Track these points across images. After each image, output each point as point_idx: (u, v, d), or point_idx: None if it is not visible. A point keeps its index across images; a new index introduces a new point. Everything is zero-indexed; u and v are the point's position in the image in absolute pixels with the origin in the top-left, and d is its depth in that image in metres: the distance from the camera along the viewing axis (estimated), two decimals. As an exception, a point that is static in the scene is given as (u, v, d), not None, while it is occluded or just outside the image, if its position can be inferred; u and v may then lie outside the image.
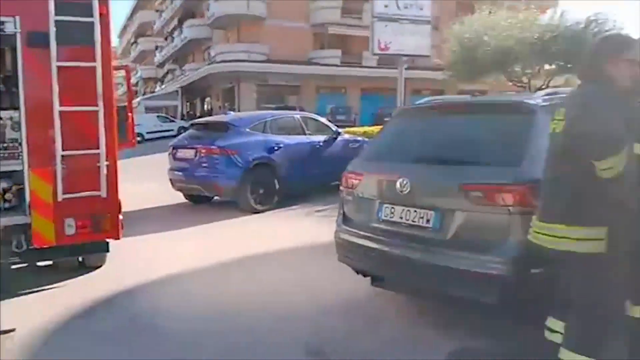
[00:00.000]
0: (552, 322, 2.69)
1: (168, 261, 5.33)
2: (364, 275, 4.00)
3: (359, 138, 10.15)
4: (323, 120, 10.03)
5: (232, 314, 3.92)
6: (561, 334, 2.58)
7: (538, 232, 2.59)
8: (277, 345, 3.42)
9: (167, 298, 4.37)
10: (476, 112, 3.77)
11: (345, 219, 4.03)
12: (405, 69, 14.12)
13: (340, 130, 9.81)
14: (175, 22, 43.49)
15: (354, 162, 4.13)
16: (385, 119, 10.34)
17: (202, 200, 8.86)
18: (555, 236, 2.47)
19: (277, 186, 8.19)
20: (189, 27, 39.48)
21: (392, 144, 4.06)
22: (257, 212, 7.88)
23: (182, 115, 39.33)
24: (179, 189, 8.83)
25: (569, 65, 12.75)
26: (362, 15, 31.97)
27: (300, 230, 6.69)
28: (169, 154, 8.93)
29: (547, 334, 2.73)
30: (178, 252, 5.76)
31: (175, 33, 42.92)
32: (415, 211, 3.43)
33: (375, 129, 13.07)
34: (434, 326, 3.59)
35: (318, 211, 7.83)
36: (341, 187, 4.12)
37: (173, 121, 32.08)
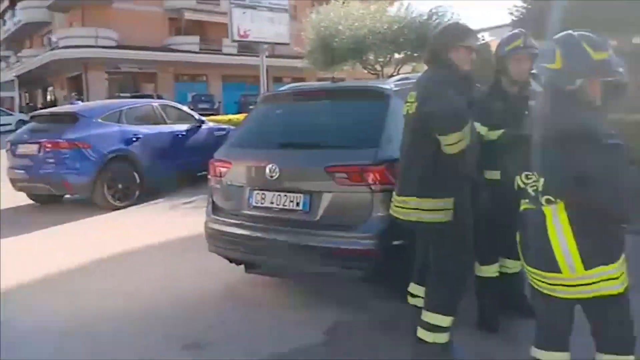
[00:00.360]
0: (413, 287, 2.95)
1: (17, 269, 4.75)
2: (238, 264, 3.98)
3: (224, 126, 9.97)
4: (184, 108, 9.66)
5: (94, 320, 3.63)
6: (422, 297, 2.83)
7: (396, 206, 2.81)
8: (149, 345, 3.27)
9: (15, 309, 3.90)
10: (336, 98, 3.93)
11: (215, 208, 3.96)
12: (267, 56, 14.16)
13: (203, 118, 9.54)
14: (6, 2, 38.42)
15: (220, 150, 4.06)
16: (250, 107, 10.30)
17: (50, 199, 8.02)
18: (408, 208, 2.70)
19: (138, 180, 7.73)
20: (23, 9, 35.20)
21: (258, 130, 4.08)
22: (117, 208, 7.38)
23: (21, 107, 35.09)
24: (21, 189, 7.89)
25: (415, 54, 13.86)
26: (220, 2, 31.25)
27: (166, 224, 6.41)
28: (7, 150, 7.92)
29: (409, 299, 2.99)
30: (30, 258, 5.17)
31: (7, 15, 37.95)
32: (285, 195, 3.50)
33: (241, 116, 12.97)
34: (308, 307, 3.70)
35: (185, 203, 7.58)
36: (209, 176, 4.03)
37: (10, 114, 28.46)
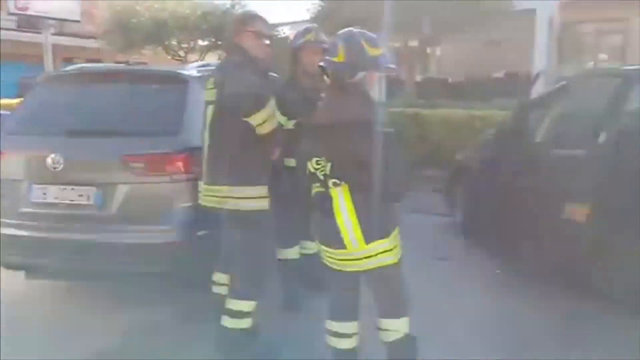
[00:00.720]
0: (218, 276, 2.92)
1: None
2: (16, 269, 3.45)
3: (-2, 112, 8.53)
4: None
5: None
6: (227, 285, 2.82)
7: (207, 195, 2.74)
8: None
9: None
10: (133, 82, 3.64)
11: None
12: (53, 34, 12.52)
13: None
14: None
15: (-10, 139, 3.45)
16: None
17: None
18: (221, 197, 2.65)
19: None
20: None
21: (38, 115, 3.55)
22: None
23: None
24: None
25: (219, 42, 13.72)
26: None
27: None
28: None
29: (214, 288, 2.94)
30: None
31: None
32: (72, 189, 3.15)
33: (19, 100, 11.22)
34: (104, 308, 3.41)
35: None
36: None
37: None
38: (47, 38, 11.95)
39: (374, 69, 2.14)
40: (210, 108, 2.68)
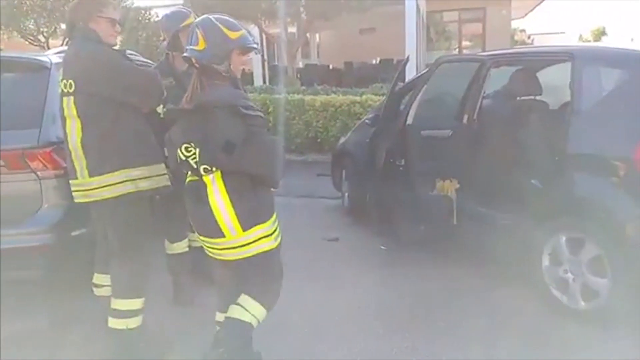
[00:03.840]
0: (97, 277, 2.75)
1: None
2: None
3: None
4: None
5: None
6: (109, 286, 2.67)
7: (75, 190, 2.55)
8: None
9: None
10: (-16, 70, 3.26)
11: None
12: None
13: None
14: None
15: None
16: None
17: None
18: (86, 190, 2.49)
19: None
20: None
21: None
22: None
23: None
24: None
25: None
26: None
27: None
28: None
29: (95, 290, 2.78)
30: None
31: None
32: None
33: None
34: None
35: None
36: None
37: None
38: None
39: (237, 49, 2.14)
40: (69, 100, 2.45)
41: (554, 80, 3.91)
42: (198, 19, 2.19)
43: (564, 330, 2.87)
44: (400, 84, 4.63)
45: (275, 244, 2.20)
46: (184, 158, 2.13)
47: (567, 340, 2.79)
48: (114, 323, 2.56)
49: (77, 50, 2.51)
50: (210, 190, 2.10)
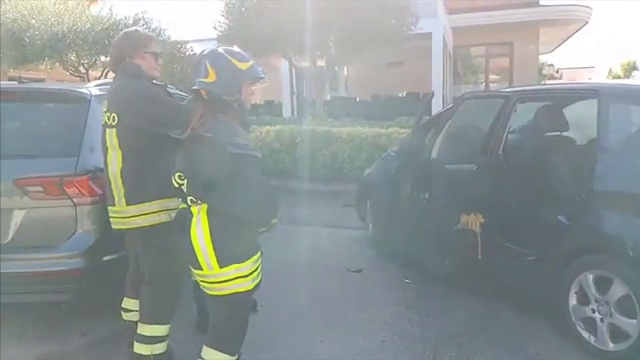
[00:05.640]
0: (127, 302, 2.83)
1: None
2: None
3: None
4: None
5: None
6: (137, 311, 2.74)
7: (112, 217, 2.67)
8: None
9: None
10: (26, 100, 3.45)
11: None
12: None
13: None
14: None
15: None
16: None
17: None
18: (123, 217, 2.60)
19: None
20: None
21: None
22: None
23: None
24: None
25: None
26: None
27: None
28: None
29: (123, 314, 2.85)
30: None
31: None
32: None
33: None
34: (10, 342, 3.12)
35: None
36: None
37: None
38: None
39: (248, 79, 2.19)
40: (111, 131, 2.58)
41: (581, 117, 3.91)
42: (205, 51, 2.21)
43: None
44: (426, 118, 4.69)
45: (251, 285, 2.13)
46: (177, 186, 2.17)
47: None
48: (139, 348, 2.62)
49: (122, 84, 2.64)
50: (194, 221, 2.10)
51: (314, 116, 10.58)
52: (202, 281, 2.19)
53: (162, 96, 2.64)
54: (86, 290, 3.05)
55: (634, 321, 2.77)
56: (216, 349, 2.20)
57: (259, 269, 2.18)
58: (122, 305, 2.87)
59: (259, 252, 2.18)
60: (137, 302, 2.76)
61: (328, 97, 15.73)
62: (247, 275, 2.11)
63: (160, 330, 2.63)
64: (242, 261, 2.09)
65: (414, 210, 4.23)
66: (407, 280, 4.20)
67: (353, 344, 3.15)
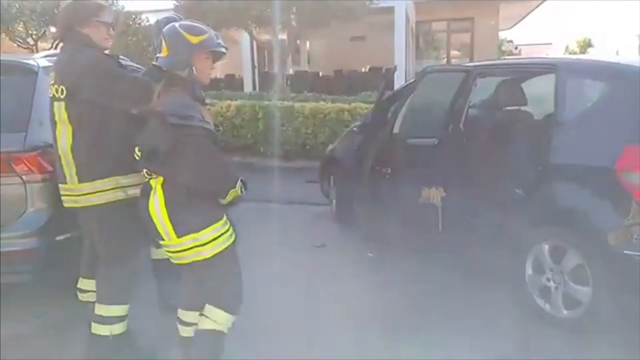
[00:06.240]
0: (82, 282, 2.74)
1: None
2: None
3: None
4: None
5: None
6: (94, 291, 2.65)
7: (64, 195, 2.56)
8: None
9: None
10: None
11: None
12: None
13: None
14: None
15: None
16: None
17: None
18: (75, 195, 2.50)
19: None
20: None
21: None
22: None
23: None
24: None
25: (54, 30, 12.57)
26: None
27: None
28: None
29: (79, 295, 2.76)
30: None
31: None
32: None
33: None
34: None
35: None
36: None
37: None
38: None
39: (200, 52, 2.17)
40: (60, 105, 2.45)
41: (539, 91, 3.98)
42: (164, 28, 2.24)
43: (547, 338, 2.91)
44: (388, 93, 4.68)
45: (209, 254, 2.15)
46: (137, 159, 2.18)
47: (550, 348, 2.82)
48: (98, 329, 2.55)
49: (70, 55, 2.49)
50: (152, 193, 2.14)
51: (276, 91, 10.43)
52: (166, 251, 2.23)
53: (114, 68, 2.51)
54: (39, 271, 2.95)
55: (587, 289, 2.89)
56: (214, 305, 2.25)
57: (225, 234, 2.19)
58: (78, 286, 2.77)
59: (220, 221, 2.18)
60: (93, 282, 2.67)
61: (290, 72, 15.55)
62: (205, 244, 2.14)
63: (118, 310, 2.56)
64: (198, 230, 2.12)
65: (376, 185, 4.24)
66: (370, 254, 4.25)
67: (316, 318, 3.16)
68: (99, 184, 2.45)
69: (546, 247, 3.09)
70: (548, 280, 3.07)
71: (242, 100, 9.09)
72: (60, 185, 2.56)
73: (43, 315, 3.17)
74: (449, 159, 3.75)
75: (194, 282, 2.35)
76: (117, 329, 2.57)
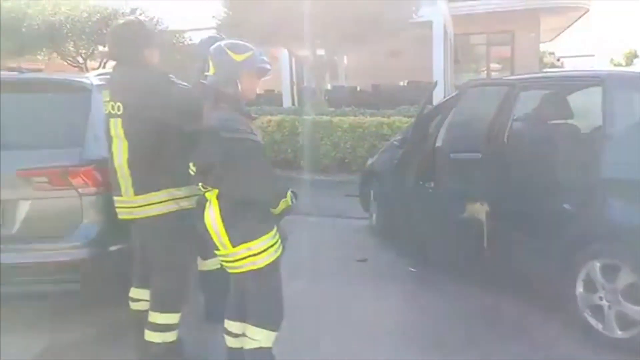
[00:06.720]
0: (135, 292, 2.82)
1: None
2: None
3: None
4: None
5: None
6: (144, 300, 2.75)
7: (119, 207, 2.65)
8: None
9: None
10: (26, 90, 3.41)
11: None
12: None
13: None
14: None
15: None
16: None
17: None
18: (131, 207, 2.59)
19: None
20: None
21: None
22: None
23: None
24: None
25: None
26: None
27: None
28: None
29: (131, 304, 2.83)
30: None
31: None
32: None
33: None
34: (16, 331, 3.13)
35: None
36: None
37: None
38: None
39: (244, 70, 2.25)
40: (116, 121, 2.56)
41: (582, 104, 3.89)
42: (212, 47, 2.32)
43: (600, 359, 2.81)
44: (429, 107, 4.66)
45: (262, 264, 2.22)
46: (192, 174, 2.29)
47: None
48: (151, 336, 2.62)
49: (125, 74, 2.61)
50: (207, 205, 2.23)
51: (314, 106, 10.52)
52: (222, 261, 2.31)
53: (168, 86, 2.62)
54: (92, 281, 3.04)
55: (642, 308, 2.77)
56: (254, 324, 2.30)
57: (274, 246, 2.25)
58: (130, 295, 2.85)
59: (271, 232, 2.24)
60: (144, 291, 2.76)
61: (328, 87, 15.67)
62: (258, 253, 2.20)
63: (171, 318, 2.64)
64: (251, 240, 2.19)
65: (418, 199, 4.21)
66: (412, 269, 4.21)
67: (359, 334, 3.15)
68: (153, 196, 2.55)
69: (598, 264, 2.99)
70: (600, 298, 2.97)
71: (282, 115, 9.21)
72: (115, 197, 2.67)
73: (95, 323, 3.27)
74: (493, 174, 3.69)
75: (241, 294, 2.39)
76: (169, 337, 2.64)
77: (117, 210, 2.68)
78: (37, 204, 2.95)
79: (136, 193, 2.56)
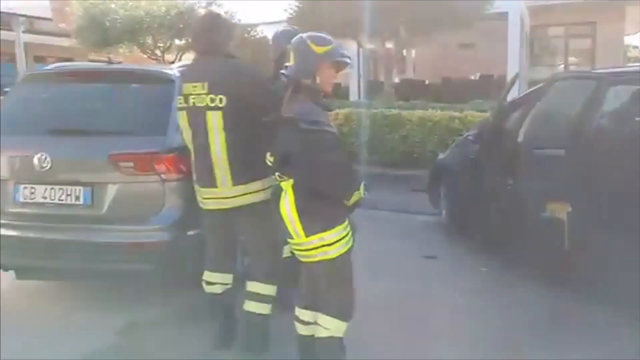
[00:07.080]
0: (208, 275, 2.91)
1: None
2: (5, 270, 3.38)
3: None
4: None
5: None
6: (221, 284, 2.86)
7: (210, 198, 2.74)
8: None
9: None
10: (116, 81, 3.60)
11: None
12: (24, 31, 12.23)
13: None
14: None
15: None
16: (6, 89, 8.72)
17: None
18: (225, 197, 2.69)
19: None
20: None
21: (22, 114, 3.48)
22: None
23: None
24: None
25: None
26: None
27: None
28: None
29: (206, 287, 2.92)
30: None
31: None
32: (61, 189, 3.11)
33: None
34: (97, 308, 3.37)
35: None
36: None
37: None
38: (19, 36, 11.67)
39: (324, 63, 2.27)
40: (215, 114, 2.61)
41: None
42: (293, 39, 2.35)
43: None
44: (509, 100, 4.48)
45: (334, 255, 2.24)
46: (269, 164, 2.32)
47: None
48: (252, 306, 2.75)
49: (228, 67, 2.69)
50: (283, 194, 2.27)
51: (381, 99, 10.42)
52: (295, 249, 2.35)
53: (263, 79, 2.76)
54: (171, 262, 3.16)
55: None
56: (326, 314, 2.33)
57: (346, 237, 2.27)
58: (204, 279, 2.93)
59: (343, 224, 2.26)
60: (219, 275, 2.87)
61: (396, 80, 15.46)
62: (331, 244, 2.22)
63: (269, 289, 2.76)
64: (325, 230, 2.21)
65: (495, 196, 4.07)
66: (483, 269, 4.08)
67: (428, 333, 3.09)
68: (251, 185, 2.66)
69: (695, 272, 2.77)
70: (697, 309, 2.75)
71: (350, 108, 9.19)
72: (204, 189, 2.74)
73: (171, 302, 3.41)
74: (577, 171, 3.50)
75: (313, 282, 2.42)
76: (267, 309, 2.76)
77: (205, 200, 2.75)
78: (123, 188, 3.11)
79: (235, 183, 2.65)
